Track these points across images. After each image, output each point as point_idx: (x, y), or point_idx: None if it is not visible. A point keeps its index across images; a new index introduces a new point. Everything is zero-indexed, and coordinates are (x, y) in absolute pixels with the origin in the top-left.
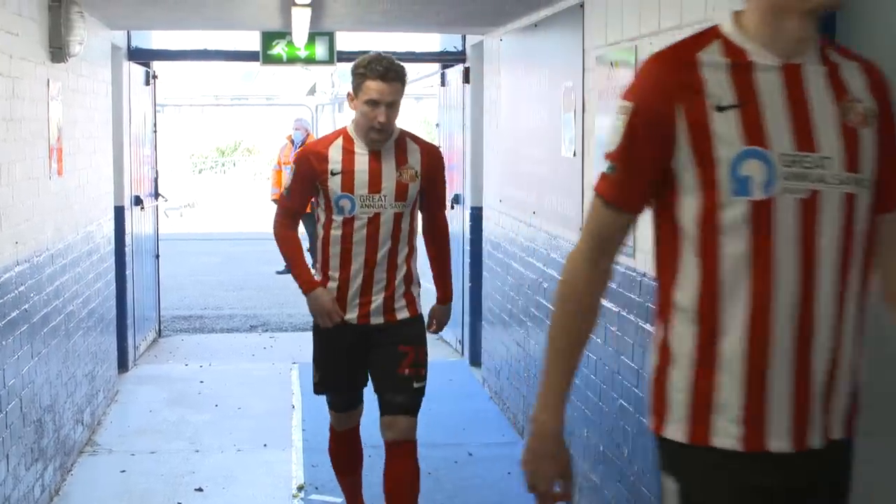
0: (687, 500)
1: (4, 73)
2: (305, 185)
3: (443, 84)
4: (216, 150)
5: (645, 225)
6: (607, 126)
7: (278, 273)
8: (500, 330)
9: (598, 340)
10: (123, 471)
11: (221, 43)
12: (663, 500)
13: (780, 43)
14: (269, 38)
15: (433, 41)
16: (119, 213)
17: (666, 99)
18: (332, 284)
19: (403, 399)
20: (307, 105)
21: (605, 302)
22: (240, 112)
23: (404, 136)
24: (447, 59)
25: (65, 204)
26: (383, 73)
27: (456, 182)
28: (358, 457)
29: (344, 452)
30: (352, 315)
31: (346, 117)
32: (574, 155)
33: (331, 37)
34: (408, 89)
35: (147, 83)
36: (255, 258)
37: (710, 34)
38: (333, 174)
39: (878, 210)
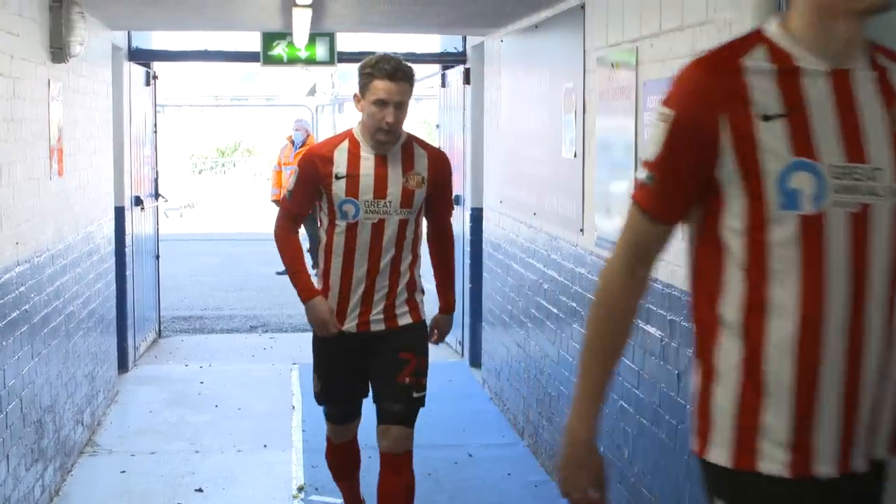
0: None
1: (5, 73)
2: (308, 189)
3: (443, 85)
4: (216, 151)
5: None
6: (607, 127)
7: (278, 274)
8: (500, 331)
9: None
10: (123, 471)
11: (222, 43)
12: None
13: (829, 47)
14: (269, 38)
15: (434, 42)
16: (119, 213)
17: (708, 107)
18: (333, 292)
19: (400, 408)
20: (307, 106)
21: None
22: (240, 112)
23: (411, 140)
24: (448, 60)
25: (65, 204)
26: (391, 72)
27: (456, 183)
28: (356, 462)
29: (341, 461)
30: (351, 324)
31: (347, 118)
32: (575, 156)
33: (331, 37)
34: None
35: (147, 83)
36: (256, 259)
37: (753, 38)
38: (338, 178)
39: None
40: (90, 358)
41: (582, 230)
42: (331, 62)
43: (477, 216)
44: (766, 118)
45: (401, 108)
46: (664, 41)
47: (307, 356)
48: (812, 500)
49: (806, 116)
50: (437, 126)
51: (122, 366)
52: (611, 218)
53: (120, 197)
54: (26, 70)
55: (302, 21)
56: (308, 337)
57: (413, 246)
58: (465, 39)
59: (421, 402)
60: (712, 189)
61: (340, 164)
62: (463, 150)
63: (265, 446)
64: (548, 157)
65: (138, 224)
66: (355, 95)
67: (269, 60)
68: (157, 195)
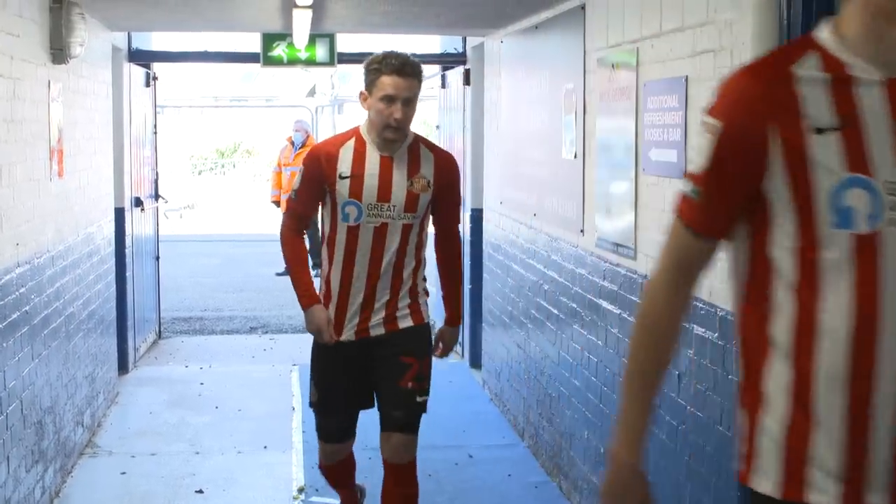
0: None
1: (5, 74)
2: (314, 187)
3: (443, 86)
4: (216, 152)
5: (649, 227)
6: (608, 128)
7: (278, 275)
8: (500, 332)
9: (599, 342)
10: (124, 473)
11: (222, 44)
12: None
13: (885, 54)
14: (269, 39)
15: (433, 43)
16: (119, 214)
17: (757, 118)
18: (333, 297)
19: (401, 414)
20: (307, 107)
21: (606, 304)
22: (239, 113)
23: (418, 141)
24: (447, 60)
25: (65, 205)
26: (399, 67)
27: None
28: (351, 473)
29: (338, 475)
30: (349, 333)
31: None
32: (575, 157)
33: (331, 38)
34: None
35: (147, 84)
36: (255, 260)
37: (804, 45)
38: (342, 177)
39: None
40: (90, 359)
41: (582, 231)
42: (331, 63)
43: (477, 217)
44: (819, 131)
45: (409, 104)
46: (665, 42)
47: (307, 357)
48: None
49: (860, 129)
50: (437, 127)
51: (123, 367)
52: (611, 219)
53: (120, 198)
54: (26, 71)
55: (302, 22)
56: (308, 338)
57: (417, 251)
58: (464, 40)
59: (424, 406)
60: (759, 204)
61: (345, 162)
62: (463, 151)
63: (265, 447)
64: (548, 157)
65: (138, 225)
66: (361, 93)
67: (269, 61)
68: (156, 196)
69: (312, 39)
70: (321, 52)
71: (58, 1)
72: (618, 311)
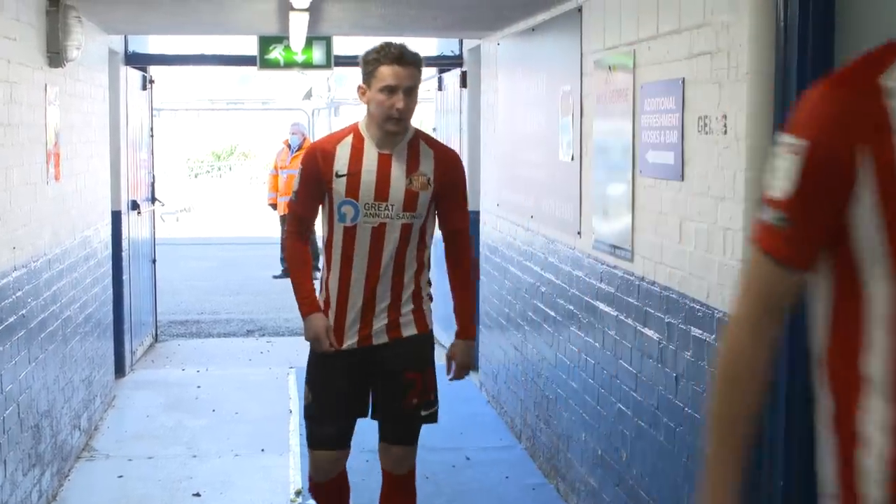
0: None
1: (2, 77)
2: (312, 187)
3: (440, 88)
4: (212, 155)
5: (646, 229)
6: (605, 130)
7: (275, 277)
8: (497, 334)
9: (596, 345)
10: (121, 476)
11: (218, 47)
12: None
13: None
14: (266, 42)
15: (430, 45)
16: (116, 217)
17: (845, 134)
18: (332, 302)
19: (403, 430)
20: (303, 109)
21: (603, 306)
22: (236, 116)
23: (419, 137)
24: (444, 63)
25: (62, 209)
26: (399, 56)
27: None
28: (346, 499)
29: (330, 500)
30: (351, 341)
31: (343, 122)
32: (572, 159)
33: (328, 41)
34: None
35: (144, 88)
36: (252, 262)
37: (890, 53)
38: (339, 175)
39: None
40: (87, 362)
41: (579, 233)
42: (327, 66)
43: (474, 219)
44: None
45: (410, 94)
46: (661, 44)
47: (304, 360)
48: None
49: None
50: (434, 129)
51: (119, 370)
52: (608, 221)
53: (116, 201)
54: (23, 74)
55: (298, 25)
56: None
57: (419, 253)
58: (461, 42)
59: (432, 417)
60: (847, 229)
61: (342, 160)
62: (459, 154)
63: (263, 450)
64: (545, 160)
65: (135, 228)
66: (359, 87)
67: (266, 64)
68: (153, 199)
69: (309, 42)
70: (318, 54)
71: (54, 4)
72: (615, 314)
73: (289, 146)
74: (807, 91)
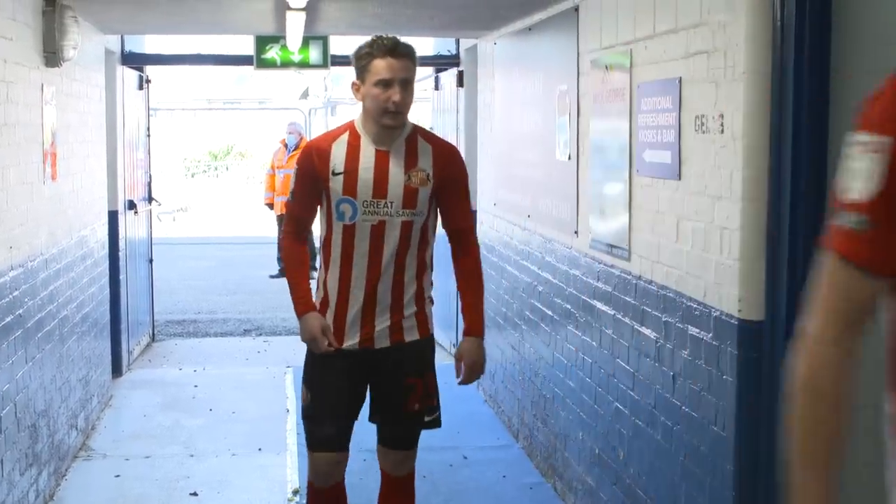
0: None
1: None
2: (309, 187)
3: (436, 88)
4: (209, 155)
5: (643, 228)
6: (601, 129)
7: (272, 277)
8: (494, 333)
9: (593, 344)
10: (118, 476)
11: (215, 47)
12: None
13: None
14: (262, 42)
15: (427, 45)
16: (113, 217)
17: None
18: (331, 302)
19: (404, 433)
20: (300, 109)
21: (600, 305)
22: (232, 116)
23: (416, 132)
24: (441, 62)
25: (59, 208)
26: (392, 47)
27: None
28: None
29: None
30: (352, 342)
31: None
32: (569, 158)
33: (325, 41)
34: None
35: (140, 87)
36: (249, 262)
37: None
38: (335, 174)
39: None
40: (84, 362)
41: (576, 232)
42: (324, 65)
43: None
44: None
45: (407, 86)
46: (658, 43)
47: (301, 359)
48: None
49: None
50: (431, 128)
51: (116, 370)
52: (605, 220)
53: (113, 201)
54: (20, 74)
55: (295, 24)
56: None
57: (420, 252)
58: (458, 42)
59: (436, 423)
60: None
61: (338, 158)
62: None
63: (260, 450)
64: (542, 159)
65: (132, 228)
66: (353, 83)
67: (263, 64)
68: (150, 199)
69: (306, 42)
70: (314, 54)
71: (51, 4)
72: (612, 313)
73: (286, 146)
74: (877, 86)
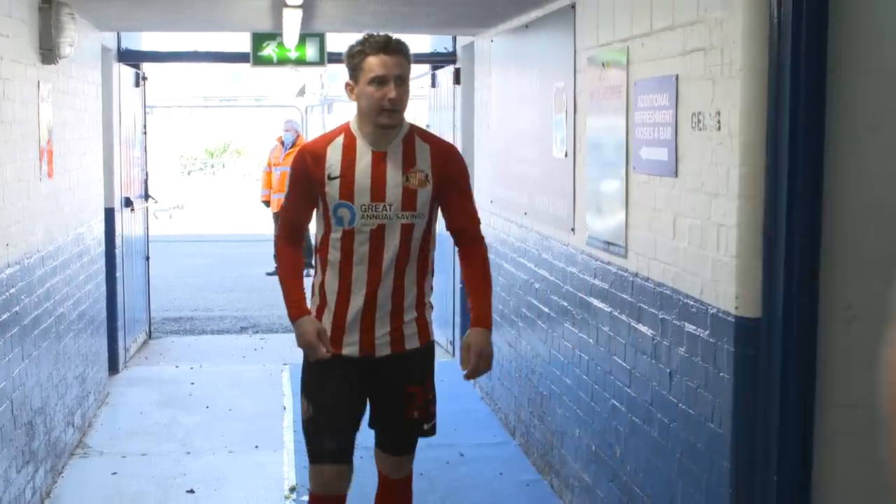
0: None
1: None
2: (304, 191)
3: (433, 85)
4: (205, 152)
5: (640, 225)
6: (598, 126)
7: (268, 274)
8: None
9: (590, 341)
10: (115, 473)
11: (211, 44)
12: None
13: None
14: (259, 39)
15: (423, 42)
16: (109, 214)
17: None
18: (329, 308)
19: (403, 440)
20: (297, 106)
21: (597, 302)
22: (229, 113)
23: (413, 132)
24: (437, 60)
25: (55, 206)
26: (384, 44)
27: None
28: None
29: None
30: (352, 349)
31: (336, 119)
32: (565, 156)
33: (321, 38)
34: None
35: (137, 85)
36: (245, 259)
37: None
38: (331, 178)
39: None
40: (81, 359)
41: (573, 229)
42: (321, 63)
43: None
44: None
45: (402, 84)
46: (655, 40)
47: (298, 356)
48: None
49: None
50: (428, 126)
51: (113, 367)
52: (602, 217)
53: (110, 198)
54: (16, 71)
55: (292, 21)
56: None
57: (421, 255)
58: (455, 39)
59: (433, 430)
60: None
61: (334, 162)
62: None
63: (256, 447)
64: (538, 156)
65: (128, 225)
66: (347, 84)
67: (259, 61)
68: (146, 196)
69: (302, 39)
70: (311, 51)
71: (47, 1)
72: (609, 310)
73: (282, 143)
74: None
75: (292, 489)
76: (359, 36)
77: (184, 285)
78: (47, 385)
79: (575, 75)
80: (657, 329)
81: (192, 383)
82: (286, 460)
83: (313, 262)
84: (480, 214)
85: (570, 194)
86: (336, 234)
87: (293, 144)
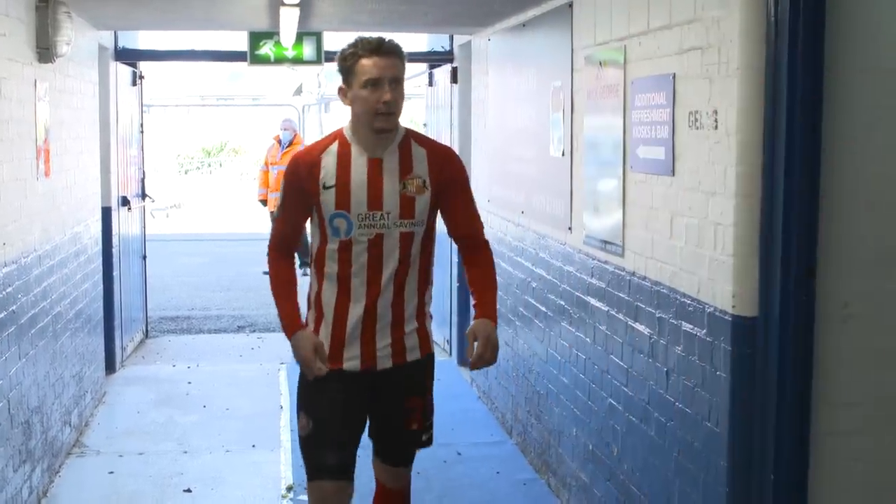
0: None
1: None
2: (297, 202)
3: (430, 84)
4: (202, 151)
5: (637, 224)
6: (595, 125)
7: (265, 273)
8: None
9: (587, 340)
10: (111, 472)
11: (208, 43)
12: None
13: None
14: (256, 38)
15: (421, 41)
16: (106, 213)
17: None
18: (327, 321)
19: (403, 452)
20: (294, 105)
21: (594, 301)
22: (226, 112)
23: (409, 137)
24: (435, 59)
25: (52, 205)
26: (377, 46)
27: None
28: None
29: None
30: (353, 363)
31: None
32: (563, 155)
33: (318, 37)
34: None
35: (134, 83)
36: (242, 259)
37: None
38: (326, 187)
39: None
40: (77, 358)
41: (570, 228)
42: (318, 61)
43: None
44: None
45: (397, 86)
46: (652, 39)
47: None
48: None
49: None
50: (425, 125)
51: (110, 366)
52: (599, 216)
53: (107, 197)
54: (12, 70)
55: (289, 20)
56: None
57: (421, 264)
58: (452, 38)
59: (430, 441)
60: None
61: (328, 170)
62: None
63: (253, 446)
64: (536, 155)
65: (125, 224)
66: (340, 89)
67: (256, 60)
68: (143, 195)
69: (299, 38)
70: (308, 50)
71: (44, 0)
72: (606, 309)
73: (279, 142)
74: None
75: (289, 488)
76: (351, 39)
77: (181, 284)
78: (44, 384)
79: (572, 74)
80: (654, 328)
81: (189, 382)
82: (283, 459)
83: (308, 265)
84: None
85: (568, 193)
86: (333, 246)
87: (290, 143)
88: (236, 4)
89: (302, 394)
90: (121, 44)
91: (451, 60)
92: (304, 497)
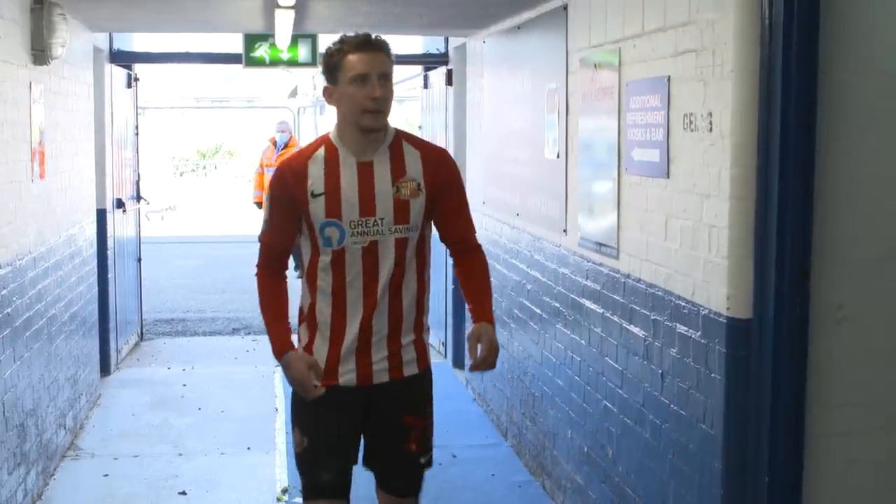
0: None
1: None
2: (285, 212)
3: (425, 86)
4: (197, 153)
5: (632, 226)
6: (590, 127)
7: None
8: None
9: (582, 342)
10: (106, 475)
11: (203, 45)
12: None
13: None
14: (251, 40)
15: (416, 43)
16: (101, 215)
17: None
18: (322, 335)
19: (405, 481)
20: (289, 107)
21: (589, 303)
22: (221, 115)
23: (401, 138)
24: (430, 61)
25: (47, 207)
26: (363, 41)
27: None
28: None
29: None
30: (348, 377)
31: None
32: (557, 157)
33: (313, 39)
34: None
35: (129, 86)
36: (237, 261)
37: None
38: (315, 195)
39: None
40: (72, 361)
41: (565, 230)
42: (313, 64)
43: None
44: None
45: (386, 81)
46: (647, 42)
47: None
48: None
49: None
50: (420, 127)
51: (105, 369)
52: (594, 218)
53: (102, 199)
54: (7, 72)
55: (284, 22)
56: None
57: (418, 271)
58: (447, 40)
59: (429, 464)
60: None
61: (316, 178)
62: None
63: (248, 449)
64: (531, 157)
65: (120, 226)
66: (325, 89)
67: (252, 62)
68: (138, 197)
69: (295, 40)
70: (303, 52)
71: (39, 2)
72: (600, 311)
73: (275, 144)
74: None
75: (284, 490)
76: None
77: (176, 287)
78: (39, 387)
79: (567, 76)
80: (649, 330)
81: (184, 385)
82: (278, 462)
83: (302, 267)
84: (472, 215)
85: (563, 195)
86: (326, 258)
87: (286, 145)
88: (231, 6)
89: (296, 410)
90: (116, 46)
91: (446, 63)
92: (299, 500)
